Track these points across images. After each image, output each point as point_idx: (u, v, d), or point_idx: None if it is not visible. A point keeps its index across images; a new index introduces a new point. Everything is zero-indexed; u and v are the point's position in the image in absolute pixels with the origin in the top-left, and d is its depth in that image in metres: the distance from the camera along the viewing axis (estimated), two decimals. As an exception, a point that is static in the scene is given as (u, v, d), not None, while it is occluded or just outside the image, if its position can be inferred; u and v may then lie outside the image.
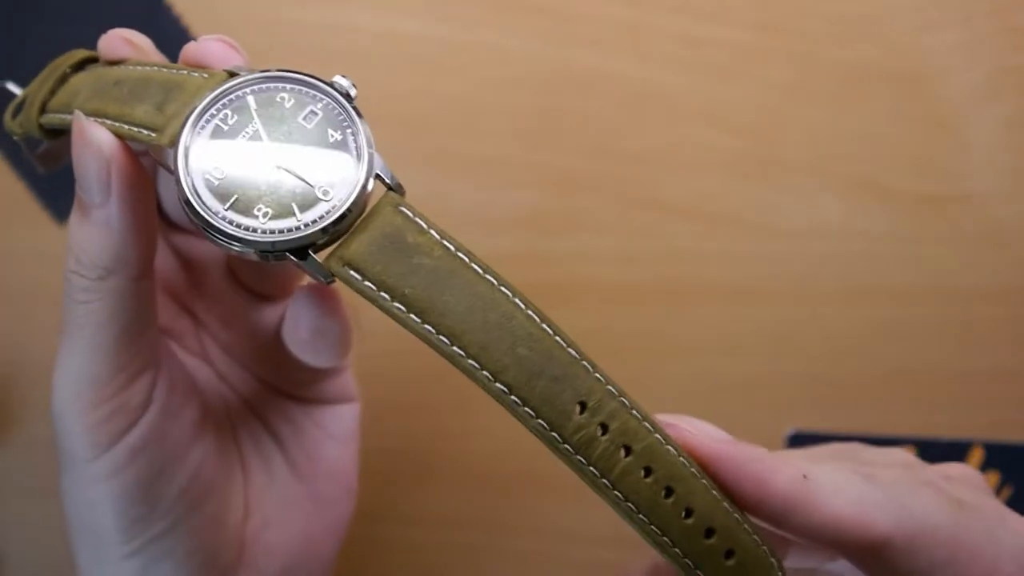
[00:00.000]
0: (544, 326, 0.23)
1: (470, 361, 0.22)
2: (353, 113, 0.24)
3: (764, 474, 0.24)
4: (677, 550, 0.23)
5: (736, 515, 0.24)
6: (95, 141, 0.24)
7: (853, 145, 0.45)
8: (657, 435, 0.23)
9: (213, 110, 0.24)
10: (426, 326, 0.22)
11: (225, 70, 0.25)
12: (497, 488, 0.46)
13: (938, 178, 0.45)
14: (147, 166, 0.25)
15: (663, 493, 0.23)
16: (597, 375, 0.23)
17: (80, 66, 0.29)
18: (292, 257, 0.23)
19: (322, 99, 0.24)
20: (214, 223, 0.23)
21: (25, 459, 0.46)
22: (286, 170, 0.23)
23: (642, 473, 0.23)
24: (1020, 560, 0.25)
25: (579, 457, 0.23)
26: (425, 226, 0.23)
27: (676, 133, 0.46)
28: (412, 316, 0.23)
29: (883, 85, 0.45)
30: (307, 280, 0.24)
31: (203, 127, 0.24)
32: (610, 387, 0.23)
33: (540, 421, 0.22)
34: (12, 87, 0.30)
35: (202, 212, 0.23)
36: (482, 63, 0.45)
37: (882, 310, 0.46)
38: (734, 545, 0.24)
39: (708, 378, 0.46)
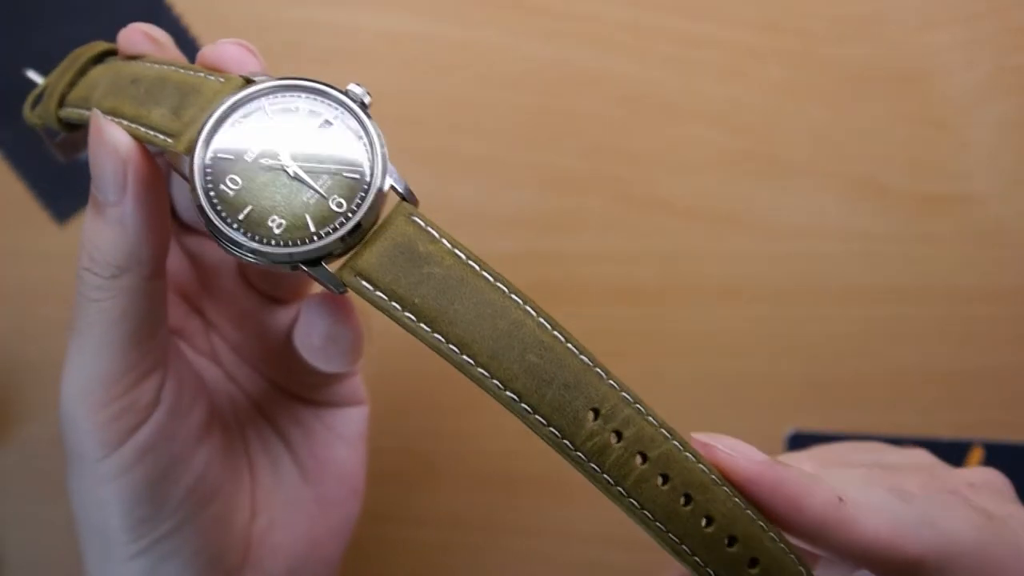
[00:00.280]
0: (556, 333, 0.23)
1: (480, 370, 0.22)
2: (368, 123, 0.24)
3: (799, 498, 0.23)
4: (697, 559, 0.23)
5: (761, 522, 0.23)
6: (112, 141, 0.24)
7: (853, 145, 0.46)
8: (675, 442, 0.23)
9: (229, 119, 0.24)
10: (436, 335, 0.22)
11: (241, 76, 0.25)
12: (499, 488, 0.46)
13: (938, 178, 0.45)
14: (161, 166, 0.26)
15: (681, 501, 0.23)
16: (611, 381, 0.23)
17: (99, 58, 0.28)
18: (305, 268, 0.23)
19: (337, 108, 0.24)
20: (228, 233, 0.23)
21: (25, 459, 0.46)
22: (300, 180, 0.23)
23: (659, 480, 0.23)
24: None
25: (592, 465, 0.22)
26: (437, 235, 0.23)
27: (676, 133, 0.46)
28: (422, 325, 0.23)
29: (883, 85, 0.45)
30: (319, 287, 0.24)
31: (219, 135, 0.24)
32: (624, 393, 0.23)
33: (551, 429, 0.22)
34: (33, 75, 0.30)
35: (216, 222, 0.23)
36: (482, 63, 0.45)
37: (882, 310, 0.46)
38: (758, 553, 0.23)
39: (708, 378, 0.46)
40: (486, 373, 0.22)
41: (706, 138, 0.46)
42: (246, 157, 0.23)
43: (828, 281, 0.46)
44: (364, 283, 0.23)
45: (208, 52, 0.26)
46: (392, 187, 0.24)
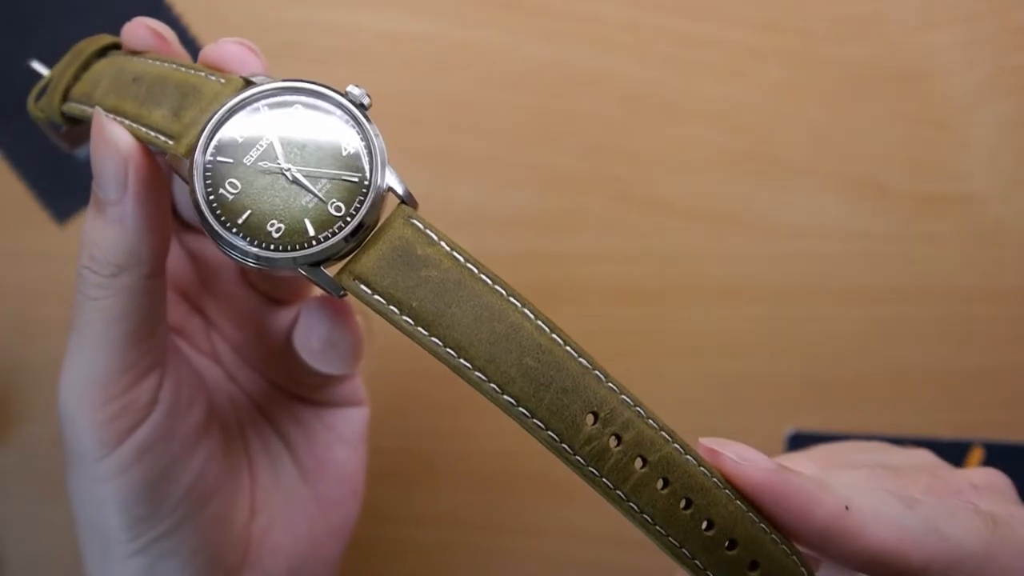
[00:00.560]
0: (554, 336, 0.23)
1: (477, 374, 0.22)
2: (367, 125, 0.24)
3: (806, 506, 0.23)
4: (697, 562, 0.23)
5: (763, 525, 0.23)
6: (113, 140, 0.24)
7: (853, 145, 0.46)
8: (676, 445, 0.23)
9: (229, 121, 0.24)
10: (433, 339, 0.22)
11: (242, 77, 0.25)
12: (498, 488, 0.46)
13: (938, 178, 0.45)
14: (162, 165, 0.26)
15: (681, 504, 0.23)
16: (610, 384, 0.23)
17: (103, 52, 0.29)
18: (303, 272, 0.23)
19: (336, 110, 0.24)
20: (227, 237, 0.23)
21: (25, 459, 0.46)
22: (299, 184, 0.23)
23: (659, 484, 0.23)
24: None
25: (591, 469, 0.22)
26: (436, 238, 0.23)
27: (676, 133, 0.46)
28: (420, 329, 0.23)
29: (883, 85, 0.45)
30: (319, 289, 0.24)
31: (218, 138, 0.24)
32: (624, 396, 0.23)
33: (549, 433, 0.22)
34: (38, 67, 0.30)
35: (215, 225, 0.23)
36: (482, 63, 0.45)
37: (882, 310, 0.46)
38: (759, 556, 0.23)
39: (708, 378, 0.46)
40: (483, 377, 0.22)
41: (706, 138, 0.46)
42: (245, 160, 0.23)
43: (828, 281, 0.46)
44: (362, 286, 0.23)
45: (210, 51, 0.26)
46: (391, 189, 0.24)
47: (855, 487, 0.24)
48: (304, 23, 0.45)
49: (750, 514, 0.23)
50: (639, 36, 0.45)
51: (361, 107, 0.24)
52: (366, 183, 0.23)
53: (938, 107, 0.45)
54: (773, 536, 0.23)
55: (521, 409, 0.22)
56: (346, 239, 0.23)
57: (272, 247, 0.23)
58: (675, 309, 0.46)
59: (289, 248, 0.23)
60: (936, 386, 0.46)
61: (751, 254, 0.46)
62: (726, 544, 0.23)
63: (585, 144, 0.46)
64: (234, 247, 0.23)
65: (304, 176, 0.23)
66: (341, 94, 0.24)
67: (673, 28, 0.45)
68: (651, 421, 0.23)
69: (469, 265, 0.23)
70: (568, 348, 0.23)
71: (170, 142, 0.24)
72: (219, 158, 0.23)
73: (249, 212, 0.23)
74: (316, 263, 0.23)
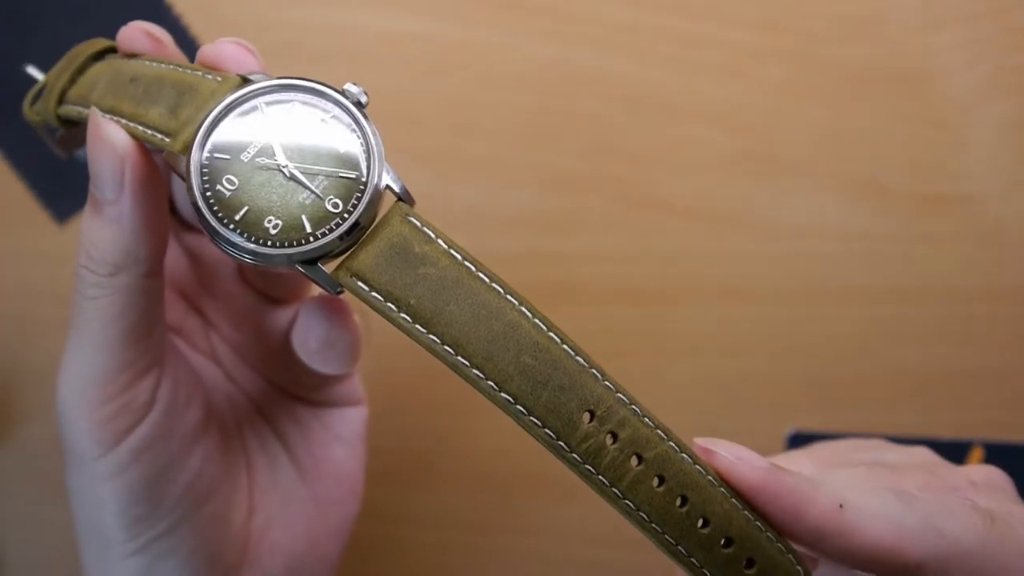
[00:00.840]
0: (551, 334, 0.23)
1: (474, 371, 0.22)
2: (364, 122, 0.24)
3: (799, 505, 0.23)
4: (693, 560, 0.23)
5: (758, 523, 0.23)
6: (110, 139, 0.24)
7: (853, 145, 0.45)
8: (671, 443, 0.23)
9: (226, 118, 0.24)
10: (431, 336, 0.22)
11: (239, 75, 0.25)
12: (497, 488, 0.46)
13: (938, 178, 0.45)
14: (160, 164, 0.26)
15: (677, 502, 0.23)
16: (606, 383, 0.23)
17: (99, 56, 0.29)
18: (301, 268, 0.23)
19: (333, 108, 0.24)
20: (224, 233, 0.23)
21: (25, 459, 0.46)
22: (297, 181, 0.23)
23: (654, 482, 0.23)
24: None
25: (587, 466, 0.22)
26: (433, 235, 0.23)
27: (676, 133, 0.46)
28: (417, 327, 0.23)
29: (883, 85, 0.45)
30: (317, 288, 0.24)
31: (215, 135, 0.24)
32: (620, 395, 0.23)
33: (546, 430, 0.22)
34: (33, 71, 0.30)
35: (212, 222, 0.23)
36: (482, 63, 0.45)
37: (882, 310, 0.46)
38: (755, 553, 0.23)
39: (708, 378, 0.46)
40: (481, 374, 0.22)
41: (706, 138, 0.46)
42: (242, 157, 0.23)
43: (828, 281, 0.46)
44: (360, 283, 0.23)
45: (207, 51, 0.26)
46: (388, 186, 0.24)
47: (851, 485, 0.24)
48: (304, 23, 0.45)
49: (745, 512, 0.23)
50: (639, 36, 0.45)
51: (359, 105, 0.24)
52: (363, 180, 0.23)
53: (938, 107, 0.45)
54: (768, 534, 0.23)
55: (518, 407, 0.22)
56: (343, 236, 0.23)
57: (269, 243, 0.23)
58: (675, 309, 0.46)
59: (286, 244, 0.23)
60: (936, 386, 0.46)
61: (751, 254, 0.46)
62: (722, 542, 0.23)
63: (585, 144, 0.46)
64: (231, 243, 0.23)
65: (301, 172, 0.23)
66: (339, 92, 0.24)
67: (673, 28, 0.45)
68: (646, 419, 0.23)
69: (466, 263, 0.23)
70: (565, 346, 0.23)
71: (167, 140, 0.24)
72: (216, 155, 0.23)
73: (246, 208, 0.23)
74: (313, 259, 0.23)
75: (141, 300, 0.25)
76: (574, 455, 0.22)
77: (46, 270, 0.45)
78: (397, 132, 0.45)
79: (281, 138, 0.24)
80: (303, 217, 0.23)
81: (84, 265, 0.25)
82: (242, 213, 0.23)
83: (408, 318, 0.23)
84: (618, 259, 0.46)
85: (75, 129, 0.29)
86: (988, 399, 0.46)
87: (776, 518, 0.23)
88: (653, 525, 0.23)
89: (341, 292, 0.23)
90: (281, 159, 0.23)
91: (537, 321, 0.23)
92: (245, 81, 0.24)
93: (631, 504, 0.23)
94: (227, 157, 0.23)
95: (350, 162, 0.24)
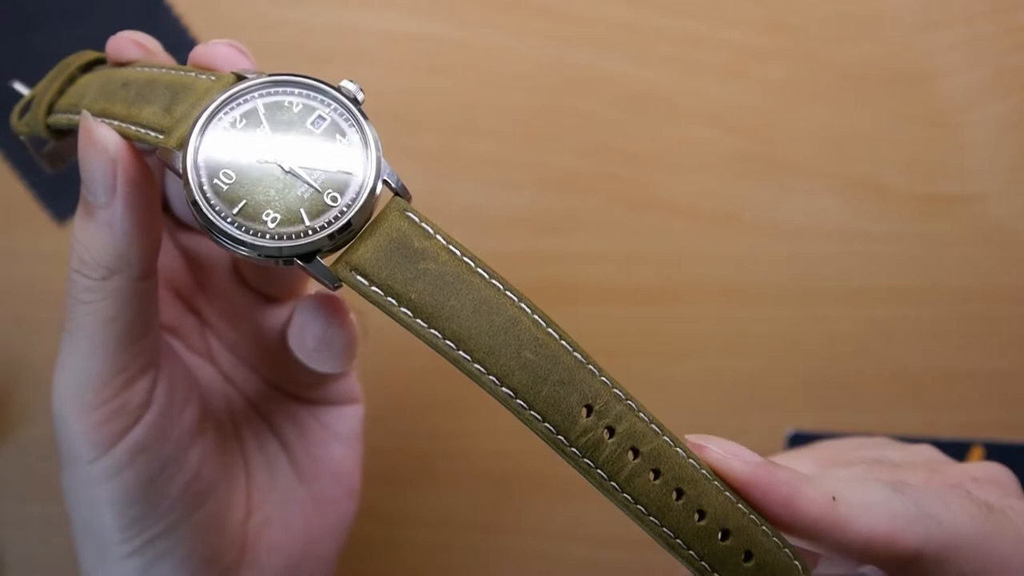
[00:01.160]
0: (550, 330, 0.23)
1: (476, 365, 0.22)
2: (361, 118, 0.24)
3: (791, 499, 0.23)
4: (692, 552, 0.23)
5: (753, 516, 0.23)
6: (101, 141, 0.24)
7: (853, 145, 0.45)
8: (666, 437, 0.23)
9: (221, 114, 0.24)
10: (432, 331, 0.23)
11: (233, 73, 0.25)
12: (497, 488, 0.46)
13: (938, 178, 0.45)
14: (153, 165, 0.25)
15: (673, 495, 0.23)
16: (603, 378, 0.23)
17: (88, 67, 0.29)
18: (299, 262, 0.23)
19: (330, 103, 0.24)
20: (222, 227, 0.23)
21: (25, 459, 0.46)
22: (294, 175, 0.23)
23: (651, 475, 0.23)
24: None
25: (586, 460, 0.23)
26: (431, 231, 0.23)
27: (676, 133, 0.46)
28: (418, 321, 0.23)
29: (883, 85, 0.45)
30: (313, 286, 0.24)
31: (211, 131, 0.24)
32: (617, 390, 0.23)
33: (546, 425, 0.22)
34: (19, 87, 0.30)
35: (210, 216, 0.23)
36: (482, 63, 0.45)
37: (882, 310, 0.46)
38: (752, 546, 0.23)
39: (708, 378, 0.46)
40: (482, 369, 0.22)
41: (706, 138, 0.45)
42: (239, 152, 0.23)
43: (828, 281, 0.46)
44: (359, 278, 0.23)
45: (199, 52, 0.26)
46: (385, 182, 0.24)
47: (846, 480, 0.24)
48: (304, 23, 0.45)
49: (740, 506, 0.23)
50: (639, 36, 0.45)
51: (355, 101, 0.24)
52: (360, 175, 0.23)
53: (938, 107, 0.45)
54: (764, 528, 0.24)
55: (519, 401, 0.22)
56: (341, 229, 0.23)
57: (267, 236, 0.23)
58: (675, 309, 0.46)
59: (284, 238, 0.23)
60: (936, 386, 0.46)
61: (751, 254, 0.46)
62: (719, 535, 0.23)
63: (585, 144, 0.46)
64: (229, 237, 0.23)
65: (299, 167, 0.23)
66: (335, 88, 0.24)
67: (673, 28, 0.45)
68: (642, 414, 0.23)
69: (466, 259, 0.23)
70: (564, 343, 0.23)
71: (161, 137, 0.24)
72: (212, 150, 0.23)
73: (244, 202, 0.23)
74: (312, 252, 0.23)
75: (135, 303, 0.25)
76: (573, 449, 0.23)
77: (45, 270, 0.45)
78: (397, 132, 0.45)
79: (278, 133, 0.24)
80: (301, 210, 0.23)
81: (76, 269, 0.25)
82: (240, 207, 0.23)
83: (409, 313, 0.23)
84: (618, 259, 0.46)
85: (64, 141, 0.29)
86: (988, 399, 0.46)
87: (770, 512, 0.23)
88: (651, 518, 0.23)
89: (339, 286, 0.23)
90: (278, 153, 0.23)
91: (536, 317, 0.23)
92: (239, 78, 0.24)
93: (629, 497, 0.23)
94: (224, 152, 0.23)
95: (347, 157, 0.24)
